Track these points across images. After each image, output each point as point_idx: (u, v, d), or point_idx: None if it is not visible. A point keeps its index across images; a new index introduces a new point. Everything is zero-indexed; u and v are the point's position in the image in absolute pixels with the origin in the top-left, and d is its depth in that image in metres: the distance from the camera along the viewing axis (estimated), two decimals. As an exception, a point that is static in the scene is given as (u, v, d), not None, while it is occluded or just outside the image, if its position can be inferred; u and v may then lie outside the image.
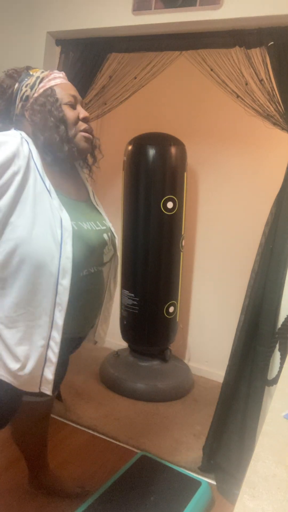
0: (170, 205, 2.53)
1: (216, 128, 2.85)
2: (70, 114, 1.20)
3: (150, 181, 2.51)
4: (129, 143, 2.60)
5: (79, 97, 1.26)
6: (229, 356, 1.90)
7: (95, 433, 2.18)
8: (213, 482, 1.88)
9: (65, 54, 2.29)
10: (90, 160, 1.35)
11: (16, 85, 1.20)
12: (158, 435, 2.23)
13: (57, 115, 1.17)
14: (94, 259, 1.23)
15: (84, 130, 1.24)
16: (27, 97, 1.18)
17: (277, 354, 1.70)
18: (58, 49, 2.34)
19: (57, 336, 1.13)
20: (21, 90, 1.19)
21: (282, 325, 1.70)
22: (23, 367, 1.13)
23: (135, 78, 2.19)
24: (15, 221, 1.08)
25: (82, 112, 1.24)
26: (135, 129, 2.67)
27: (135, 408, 2.48)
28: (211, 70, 1.99)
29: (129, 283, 2.67)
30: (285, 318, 1.68)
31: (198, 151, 2.86)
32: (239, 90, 1.95)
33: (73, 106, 1.22)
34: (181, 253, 2.69)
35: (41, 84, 1.19)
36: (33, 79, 1.20)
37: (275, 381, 1.64)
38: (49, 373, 1.15)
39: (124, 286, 2.69)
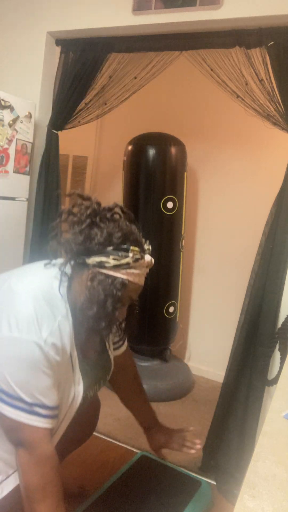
0: (170, 205, 2.53)
1: (216, 128, 2.85)
2: (119, 314, 1.11)
3: (150, 181, 2.51)
4: (129, 143, 2.60)
5: (135, 297, 1.19)
6: (229, 356, 1.90)
7: (95, 433, 2.17)
8: (213, 482, 1.88)
9: (65, 54, 2.29)
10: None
11: (110, 248, 1.06)
12: (158, 435, 2.22)
13: (108, 312, 1.07)
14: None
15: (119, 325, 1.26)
16: (103, 265, 1.06)
17: (277, 354, 1.70)
18: (58, 49, 2.34)
19: None
20: (107, 255, 1.05)
21: (282, 325, 1.70)
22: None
23: (135, 78, 2.19)
24: None
25: (124, 313, 1.19)
26: (135, 129, 2.67)
27: (135, 408, 2.47)
28: (211, 70, 1.99)
29: (129, 283, 2.66)
30: (285, 318, 1.68)
31: (198, 151, 2.86)
32: (239, 90, 1.95)
33: (125, 305, 1.15)
34: (181, 253, 2.69)
35: (125, 270, 1.07)
36: (125, 261, 1.06)
37: (275, 381, 1.64)
38: None
39: (124, 286, 2.69)
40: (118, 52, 2.20)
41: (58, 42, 2.34)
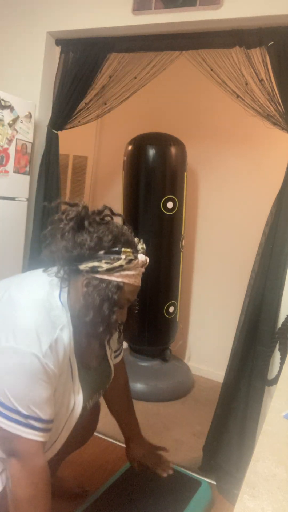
0: (170, 205, 2.53)
1: (216, 128, 2.85)
2: (117, 317, 1.10)
3: (150, 181, 2.51)
4: (129, 143, 2.60)
5: (133, 299, 1.16)
6: (229, 356, 1.90)
7: (95, 433, 2.17)
8: (213, 482, 1.88)
9: (65, 54, 2.29)
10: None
11: (101, 252, 1.05)
12: (158, 435, 2.22)
13: (104, 316, 1.06)
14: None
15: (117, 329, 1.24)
16: (96, 270, 1.05)
17: (277, 354, 1.70)
18: (58, 49, 2.34)
19: None
20: (99, 259, 1.05)
21: (282, 325, 1.70)
22: None
23: (135, 78, 2.19)
24: None
25: (124, 316, 1.16)
26: (135, 129, 2.67)
27: (135, 408, 2.47)
28: (211, 70, 1.99)
29: (129, 283, 2.66)
30: (285, 318, 1.68)
31: (198, 151, 2.86)
32: (239, 90, 1.95)
33: (123, 308, 1.13)
34: (181, 253, 2.69)
35: (119, 273, 1.06)
36: (118, 263, 1.05)
37: (275, 381, 1.64)
38: None
39: (124, 286, 2.69)
40: (118, 52, 2.20)
41: (58, 42, 2.34)
